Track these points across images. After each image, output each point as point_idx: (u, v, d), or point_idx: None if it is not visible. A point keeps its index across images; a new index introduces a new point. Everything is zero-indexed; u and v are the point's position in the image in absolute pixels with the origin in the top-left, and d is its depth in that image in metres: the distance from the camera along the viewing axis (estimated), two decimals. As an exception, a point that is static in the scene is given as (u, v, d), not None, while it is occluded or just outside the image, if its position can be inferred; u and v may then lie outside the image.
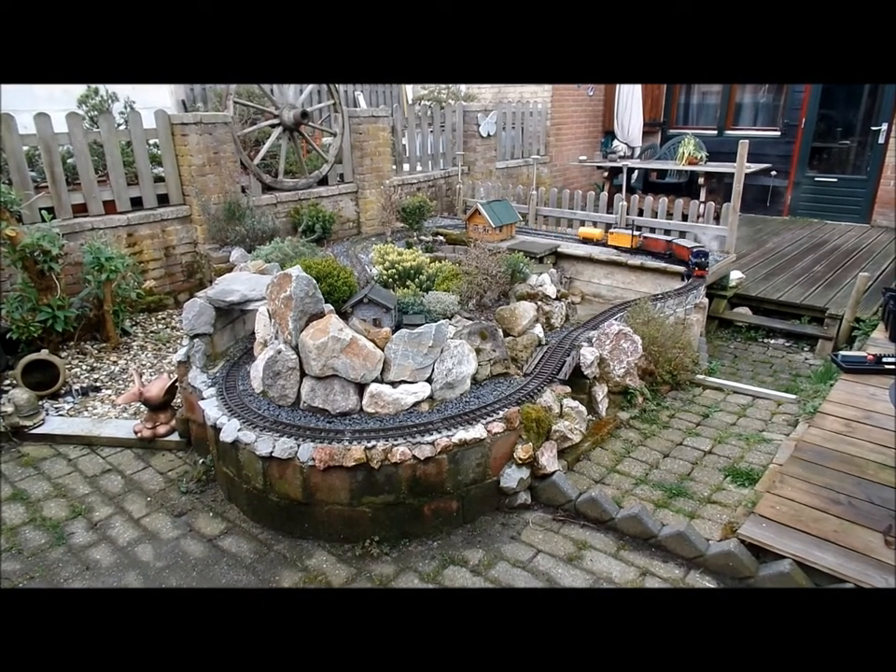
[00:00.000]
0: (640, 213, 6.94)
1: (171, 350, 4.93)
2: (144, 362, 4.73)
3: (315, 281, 3.27)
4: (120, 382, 4.45)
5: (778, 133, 9.63)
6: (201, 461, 3.52)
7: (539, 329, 3.97)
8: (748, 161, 5.80)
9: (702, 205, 6.43)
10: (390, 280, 4.21)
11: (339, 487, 2.88)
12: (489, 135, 8.63)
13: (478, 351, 3.42)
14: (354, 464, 2.81)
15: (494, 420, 3.07)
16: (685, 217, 6.55)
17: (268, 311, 3.38)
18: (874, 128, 8.76)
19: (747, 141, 5.73)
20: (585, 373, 3.70)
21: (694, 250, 5.25)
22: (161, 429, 3.76)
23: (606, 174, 9.45)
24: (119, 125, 5.66)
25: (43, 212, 4.71)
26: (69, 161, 5.34)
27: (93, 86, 6.36)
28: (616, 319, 4.31)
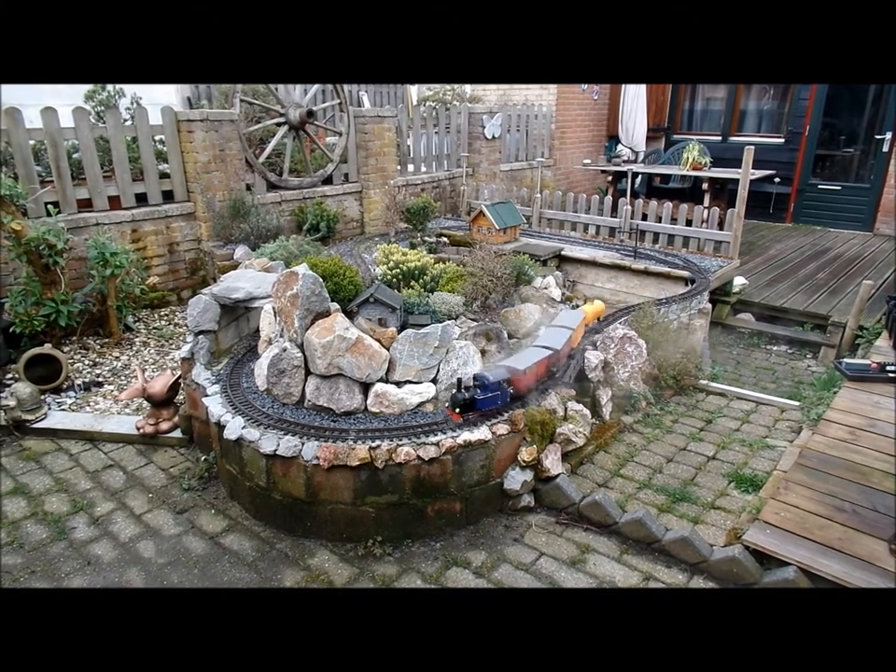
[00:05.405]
0: (644, 217, 6.94)
1: (173, 346, 4.92)
2: (146, 358, 4.72)
3: (321, 279, 3.27)
4: (123, 377, 4.44)
5: (782, 140, 9.64)
6: (203, 458, 3.51)
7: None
8: (751, 168, 5.80)
9: (706, 211, 6.43)
10: (394, 280, 4.21)
11: (342, 486, 2.87)
12: (494, 137, 8.62)
13: (483, 352, 3.41)
14: (358, 463, 2.80)
15: (498, 422, 3.06)
16: (689, 223, 6.55)
17: (273, 308, 3.37)
18: (878, 136, 8.77)
19: (752, 147, 5.73)
20: (590, 377, 3.70)
21: (477, 377, 2.98)
22: (164, 426, 3.75)
23: (610, 178, 9.45)
24: (125, 121, 5.65)
25: (48, 206, 4.70)
26: (75, 155, 5.33)
27: (100, 81, 6.36)
28: (620, 323, 4.31)
